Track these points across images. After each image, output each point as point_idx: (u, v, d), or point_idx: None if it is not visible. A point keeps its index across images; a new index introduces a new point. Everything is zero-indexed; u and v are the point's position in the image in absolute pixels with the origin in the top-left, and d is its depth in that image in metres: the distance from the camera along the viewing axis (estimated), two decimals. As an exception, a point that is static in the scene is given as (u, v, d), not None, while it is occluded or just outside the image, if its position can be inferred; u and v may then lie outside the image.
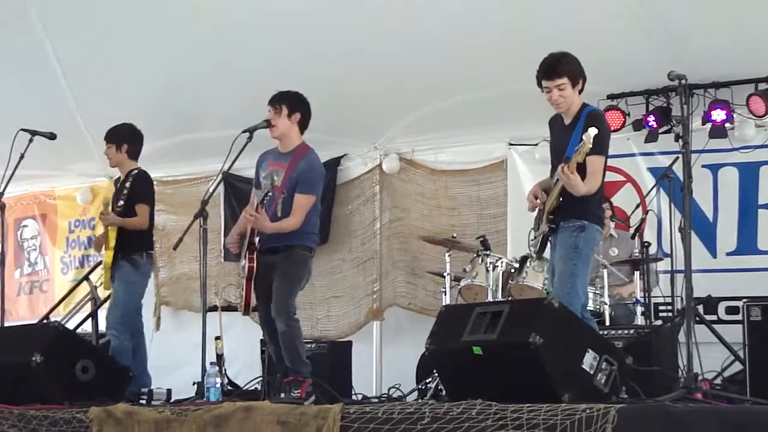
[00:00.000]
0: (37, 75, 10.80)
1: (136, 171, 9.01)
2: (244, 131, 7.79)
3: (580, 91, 6.91)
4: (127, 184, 8.86)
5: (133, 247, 8.74)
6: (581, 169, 6.65)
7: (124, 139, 8.94)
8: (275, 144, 7.96)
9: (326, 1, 9.44)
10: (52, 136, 8.84)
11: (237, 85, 10.10)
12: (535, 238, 7.10)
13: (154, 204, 9.09)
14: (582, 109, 6.87)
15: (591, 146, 6.50)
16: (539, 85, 6.89)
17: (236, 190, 11.10)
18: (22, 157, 8.60)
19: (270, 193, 7.55)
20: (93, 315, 8.78)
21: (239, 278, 7.94)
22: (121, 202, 8.80)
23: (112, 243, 8.68)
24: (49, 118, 9.95)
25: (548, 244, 7.02)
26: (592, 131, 6.50)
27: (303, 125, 7.93)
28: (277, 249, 7.75)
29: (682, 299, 7.51)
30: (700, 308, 8.37)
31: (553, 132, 7.15)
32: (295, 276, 7.78)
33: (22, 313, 12.64)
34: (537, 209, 7.10)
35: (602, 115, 7.24)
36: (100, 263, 10.29)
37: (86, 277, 9.09)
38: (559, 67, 6.79)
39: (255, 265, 7.72)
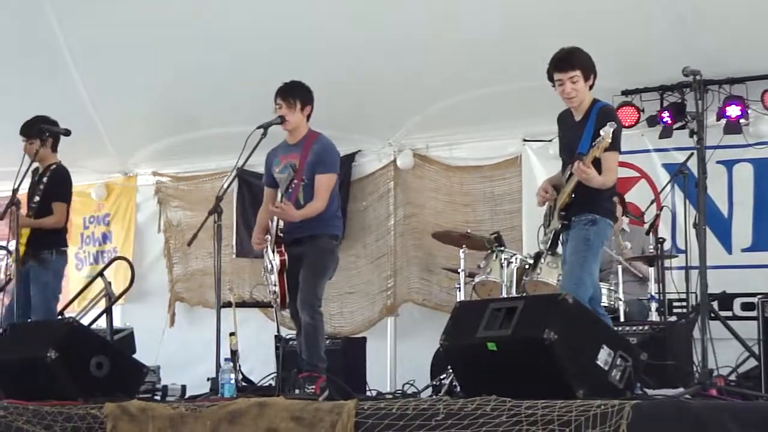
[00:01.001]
0: (51, 72, 10.82)
1: (54, 166, 9.02)
2: (258, 127, 7.79)
3: (591, 87, 6.89)
4: (45, 180, 8.88)
5: (44, 245, 8.84)
6: (595, 166, 6.65)
7: (43, 132, 8.86)
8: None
9: (342, 1, 9.44)
10: (67, 133, 8.85)
11: (251, 80, 10.10)
12: (546, 235, 7.09)
13: (70, 201, 9.09)
14: (593, 105, 6.85)
15: (610, 141, 6.49)
16: (550, 78, 6.87)
17: (250, 186, 11.13)
18: (37, 153, 8.61)
19: (294, 181, 7.53)
20: (107, 311, 8.78)
21: (265, 274, 7.92)
22: (37, 198, 8.83)
23: (24, 239, 8.72)
24: (64, 115, 9.94)
25: (559, 241, 7.02)
26: (611, 126, 6.50)
27: (310, 116, 7.97)
28: (302, 240, 7.75)
29: (696, 295, 7.50)
30: (715, 304, 8.35)
31: (562, 128, 7.13)
32: (322, 266, 7.76)
33: (37, 309, 12.67)
34: (547, 206, 7.09)
35: (614, 110, 7.23)
36: (115, 259, 10.33)
37: (101, 274, 9.09)
38: (572, 59, 6.78)
39: (286, 257, 7.73)
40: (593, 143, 6.59)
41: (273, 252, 7.76)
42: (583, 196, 6.73)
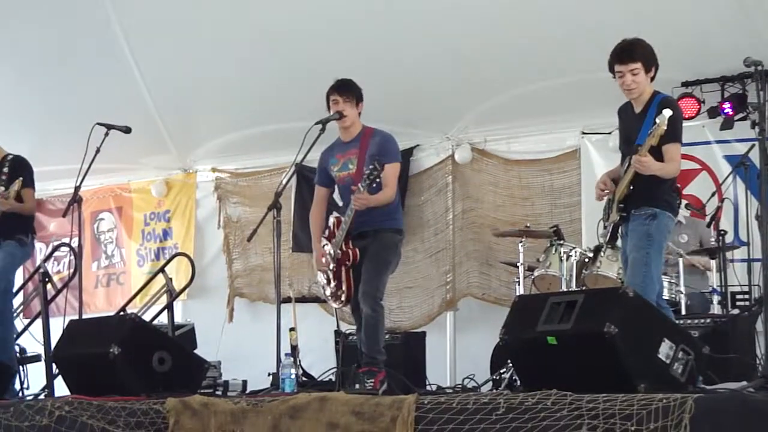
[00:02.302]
0: (112, 70, 10.91)
1: (11, 156, 9.08)
2: (316, 123, 7.83)
3: (652, 79, 6.84)
4: (5, 169, 8.93)
5: (20, 230, 8.93)
6: (657, 157, 6.60)
7: None
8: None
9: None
10: (127, 130, 8.92)
11: (310, 77, 10.11)
12: (605, 228, 7.04)
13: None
14: (653, 97, 6.80)
15: (666, 128, 6.44)
16: (611, 70, 6.83)
17: (309, 181, 11.13)
18: (98, 151, 8.69)
19: (376, 171, 7.54)
20: (169, 307, 8.85)
21: (329, 269, 7.95)
22: (2, 188, 8.87)
23: None
24: (125, 112, 10.05)
25: (619, 234, 6.97)
26: (667, 112, 6.46)
27: (361, 113, 8.01)
28: (366, 233, 7.79)
29: (759, 287, 7.42)
30: (778, 297, 8.25)
31: (622, 120, 7.09)
32: (385, 259, 7.79)
33: (99, 306, 12.82)
34: (606, 199, 7.05)
35: (675, 102, 7.17)
36: (176, 255, 10.41)
37: (162, 269, 9.17)
38: (633, 51, 6.74)
39: (357, 252, 7.76)
40: (649, 131, 6.55)
41: (340, 248, 7.79)
42: (643, 188, 6.69)
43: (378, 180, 7.56)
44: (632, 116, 6.88)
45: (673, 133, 6.58)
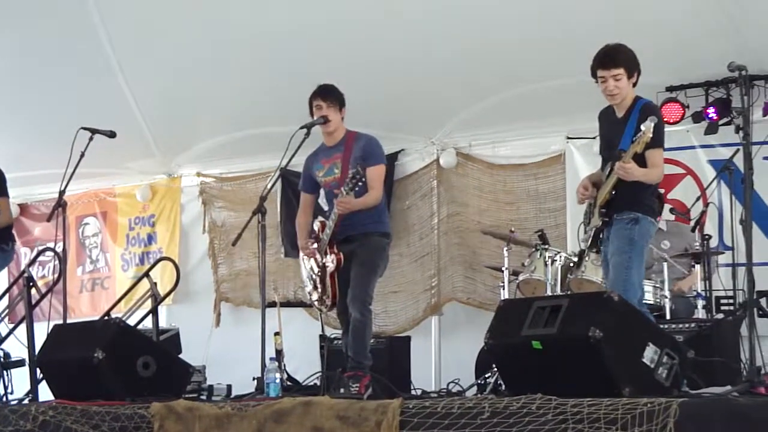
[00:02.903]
0: (96, 74, 10.88)
1: None
2: (301, 127, 7.84)
3: (634, 84, 6.87)
4: None
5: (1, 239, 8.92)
6: (640, 163, 6.62)
7: None
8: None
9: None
10: (112, 135, 8.90)
11: (294, 82, 10.10)
12: (587, 233, 7.06)
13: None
14: (635, 102, 6.83)
15: (651, 135, 6.46)
16: (594, 75, 6.86)
17: (294, 186, 11.11)
18: (82, 155, 8.67)
19: (358, 175, 7.54)
20: (153, 311, 8.83)
21: (308, 278, 7.98)
22: None
23: None
24: (109, 116, 10.03)
25: (600, 239, 6.98)
26: (652, 120, 6.47)
27: (343, 118, 8.04)
28: (353, 237, 7.80)
29: (744, 292, 7.43)
30: (763, 301, 8.26)
31: (603, 125, 7.11)
32: (373, 263, 7.81)
33: (84, 310, 12.79)
34: (587, 203, 7.07)
35: (657, 108, 7.19)
36: (160, 260, 10.38)
37: (146, 274, 9.14)
38: (616, 56, 6.77)
39: (342, 257, 7.78)
40: (634, 138, 6.57)
41: (325, 254, 7.81)
42: (625, 193, 6.71)
43: (361, 183, 7.57)
44: (614, 121, 6.90)
45: (656, 139, 6.61)
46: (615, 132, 6.83)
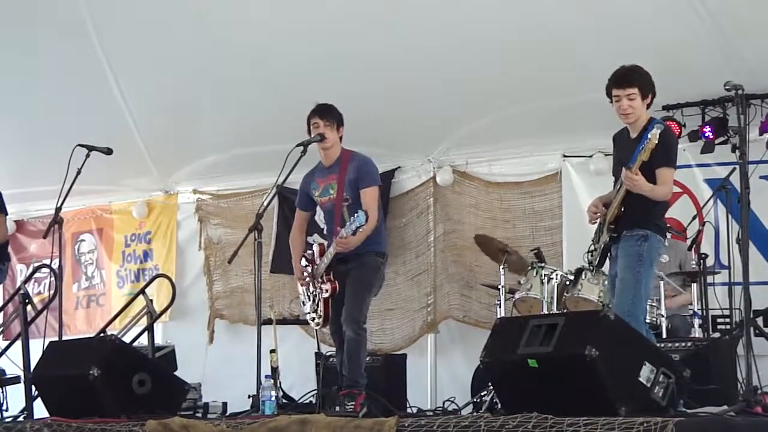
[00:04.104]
0: (93, 91, 10.90)
1: None
2: (297, 145, 7.86)
3: (649, 106, 6.88)
4: None
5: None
6: (649, 179, 6.65)
7: None
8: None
9: (378, 14, 9.44)
10: (108, 152, 8.91)
11: (292, 100, 10.12)
12: (595, 249, 7.05)
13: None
14: (649, 123, 6.83)
15: (657, 142, 6.47)
16: (608, 94, 6.87)
17: (290, 203, 11.12)
18: (79, 172, 8.67)
19: (358, 220, 7.57)
20: (149, 328, 8.81)
21: (309, 293, 8.01)
22: None
23: None
24: (106, 133, 10.03)
25: (608, 256, 6.98)
26: (658, 129, 6.49)
27: (342, 138, 8.07)
28: (348, 257, 7.81)
29: (740, 311, 7.43)
30: (759, 320, 8.27)
31: (617, 146, 7.13)
32: (368, 282, 7.84)
33: (79, 327, 12.75)
34: (598, 222, 7.06)
35: (669, 128, 7.19)
36: (156, 277, 10.37)
37: (142, 291, 9.13)
38: (631, 76, 6.80)
39: (337, 285, 7.81)
40: (641, 146, 6.57)
41: (321, 281, 7.84)
42: (634, 210, 6.72)
43: (362, 229, 7.59)
44: (627, 141, 6.91)
45: (666, 158, 6.64)
46: (627, 151, 6.83)
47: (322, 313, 7.89)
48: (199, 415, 9.22)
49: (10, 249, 9.53)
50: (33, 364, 8.01)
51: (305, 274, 8.04)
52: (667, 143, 6.65)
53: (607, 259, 7.02)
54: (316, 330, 8.80)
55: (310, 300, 7.99)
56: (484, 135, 10.47)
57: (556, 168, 10.46)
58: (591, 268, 7.42)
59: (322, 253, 7.91)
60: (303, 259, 8.09)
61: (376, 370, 8.94)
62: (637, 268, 6.69)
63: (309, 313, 8.06)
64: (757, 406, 6.03)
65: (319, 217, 8.49)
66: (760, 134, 9.14)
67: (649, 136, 6.55)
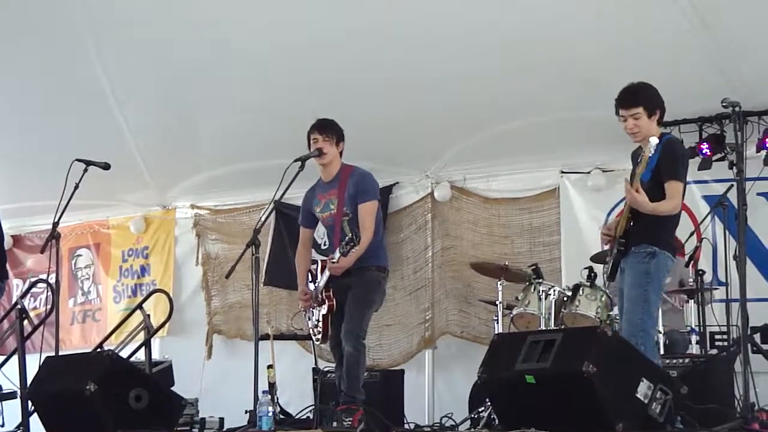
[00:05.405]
0: (91, 106, 10.89)
1: None
2: (295, 160, 7.86)
3: (659, 122, 6.87)
4: None
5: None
6: (659, 193, 6.63)
7: None
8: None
9: (376, 30, 9.45)
10: (106, 167, 8.91)
11: (288, 114, 10.13)
12: (607, 263, 7.04)
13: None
14: (660, 138, 6.82)
15: (650, 154, 6.48)
16: (617, 113, 6.87)
17: (287, 218, 11.14)
18: (76, 187, 8.68)
19: (352, 242, 7.57)
20: (146, 343, 8.80)
21: (306, 314, 8.04)
22: None
23: None
24: (104, 148, 10.04)
25: (619, 269, 6.95)
26: (653, 140, 6.50)
27: (342, 153, 8.08)
28: (349, 271, 7.81)
29: (738, 328, 7.43)
30: (757, 337, 8.27)
31: (633, 164, 7.10)
32: (368, 298, 7.85)
33: (75, 342, 12.74)
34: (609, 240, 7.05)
35: (677, 141, 7.19)
36: (153, 292, 10.36)
37: (139, 306, 9.12)
38: (635, 95, 6.80)
39: (334, 303, 7.82)
40: (638, 160, 6.56)
41: (320, 302, 7.86)
42: (643, 225, 6.69)
43: (353, 250, 7.59)
44: (641, 158, 6.89)
45: (672, 170, 6.63)
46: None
47: (321, 329, 7.89)
48: (196, 430, 9.21)
49: (8, 266, 9.50)
50: (29, 380, 7.99)
51: (306, 294, 8.03)
52: (670, 155, 6.64)
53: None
54: (313, 345, 8.79)
55: (313, 316, 8.01)
56: (482, 150, 10.48)
57: (554, 184, 10.47)
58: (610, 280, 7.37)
59: (323, 270, 7.93)
60: (309, 274, 8.11)
61: (374, 385, 8.92)
62: (645, 286, 6.66)
63: (312, 328, 8.05)
64: (754, 422, 6.03)
65: (317, 233, 8.49)
66: (758, 151, 9.15)
67: (644, 149, 6.54)
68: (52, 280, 8.81)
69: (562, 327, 8.41)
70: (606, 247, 7.17)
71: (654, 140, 6.53)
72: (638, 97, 6.81)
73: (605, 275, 7.24)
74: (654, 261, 6.69)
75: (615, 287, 7.39)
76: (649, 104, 6.81)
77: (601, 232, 7.17)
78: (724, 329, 8.81)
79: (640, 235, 6.74)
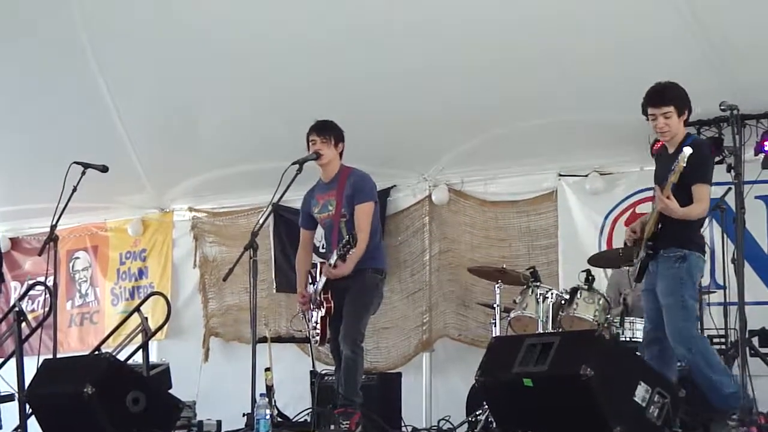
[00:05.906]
0: (89, 109, 10.89)
1: None
2: (293, 163, 7.84)
3: (686, 122, 6.86)
4: None
5: None
6: (685, 196, 6.61)
7: None
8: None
9: (376, 32, 9.45)
10: (104, 169, 8.90)
11: (287, 116, 10.14)
12: (634, 265, 7.01)
13: None
14: (686, 139, 6.81)
15: (685, 165, 6.44)
16: (644, 113, 6.84)
17: (285, 221, 11.14)
18: (74, 189, 8.67)
19: (348, 245, 7.57)
20: (144, 346, 8.80)
21: (313, 310, 8.04)
22: None
23: None
24: (102, 150, 10.02)
25: (646, 271, 6.92)
26: (687, 150, 6.45)
27: (342, 154, 8.08)
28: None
29: (735, 331, 7.43)
30: (755, 341, 8.27)
31: (657, 163, 7.08)
32: (366, 301, 7.84)
33: (72, 345, 12.74)
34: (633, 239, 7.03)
35: (704, 143, 7.18)
36: (151, 294, 10.36)
37: (137, 309, 9.12)
38: (666, 94, 6.77)
39: (332, 305, 7.82)
40: (671, 168, 6.55)
41: (318, 306, 7.86)
42: (672, 228, 6.67)
43: (350, 253, 7.59)
44: (665, 157, 6.87)
45: (700, 174, 6.61)
46: (665, 168, 6.77)
47: (319, 332, 7.89)
48: (194, 433, 9.21)
49: (4, 268, 9.49)
50: (27, 382, 7.98)
51: (304, 297, 8.04)
52: (699, 159, 6.59)
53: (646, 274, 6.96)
54: (311, 348, 8.78)
55: (312, 318, 8.01)
56: (479, 154, 10.48)
57: (552, 187, 10.47)
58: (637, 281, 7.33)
59: (320, 274, 7.92)
60: (308, 276, 8.11)
61: (372, 388, 8.92)
62: (681, 292, 6.62)
63: (310, 331, 8.06)
64: (752, 426, 6.03)
65: (316, 235, 8.48)
66: (756, 154, 9.14)
67: (678, 158, 6.49)
68: (50, 282, 8.80)
69: (560, 330, 8.40)
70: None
71: (688, 150, 6.46)
72: (670, 95, 6.78)
73: (631, 277, 7.19)
74: (685, 264, 6.66)
75: (639, 289, 7.37)
76: (680, 103, 6.78)
77: (627, 233, 7.12)
78: (722, 332, 8.81)
79: (669, 239, 6.70)
